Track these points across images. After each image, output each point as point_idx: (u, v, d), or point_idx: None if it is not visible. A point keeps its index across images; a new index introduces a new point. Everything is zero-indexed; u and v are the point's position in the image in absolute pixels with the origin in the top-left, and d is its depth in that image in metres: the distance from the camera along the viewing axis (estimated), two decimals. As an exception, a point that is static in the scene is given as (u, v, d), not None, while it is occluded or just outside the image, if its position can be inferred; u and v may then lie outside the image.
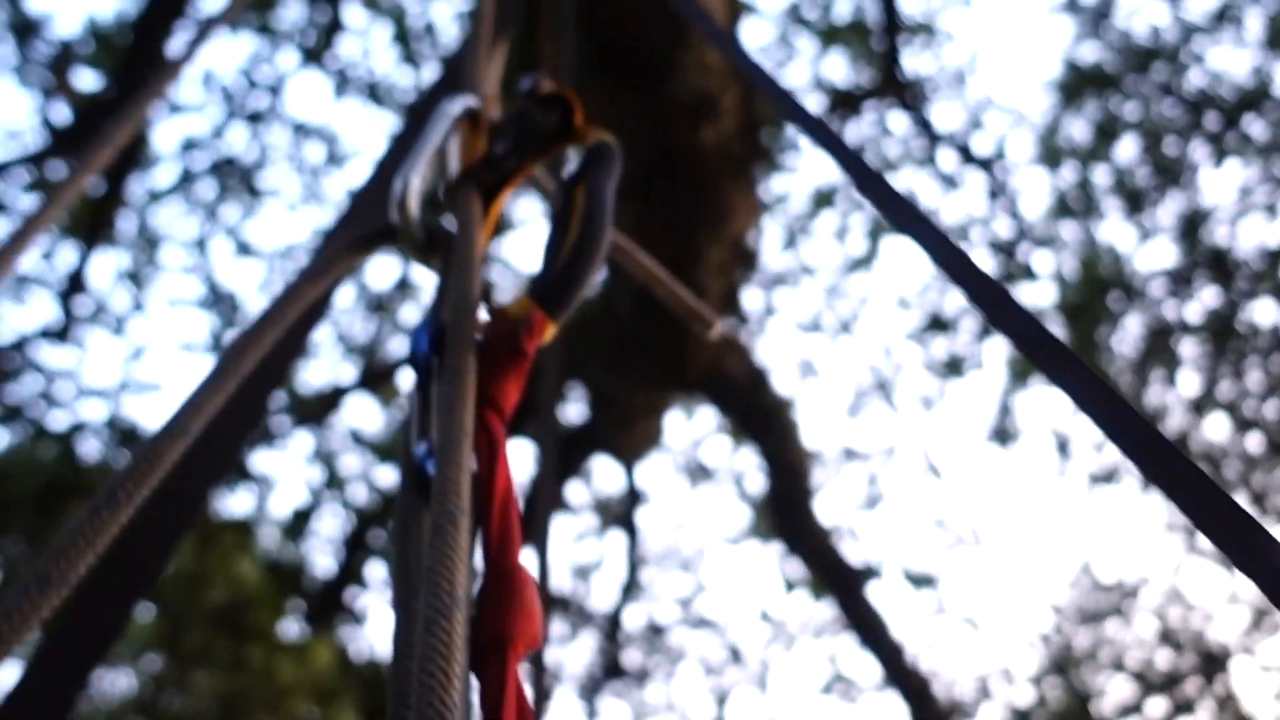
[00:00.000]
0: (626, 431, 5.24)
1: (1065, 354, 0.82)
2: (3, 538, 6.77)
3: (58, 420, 6.80)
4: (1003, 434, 7.94)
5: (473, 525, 0.56)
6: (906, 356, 8.14)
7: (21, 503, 6.46)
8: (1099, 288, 7.72)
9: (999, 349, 7.88)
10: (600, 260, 0.77)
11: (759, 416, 4.39)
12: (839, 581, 4.86)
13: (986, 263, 7.79)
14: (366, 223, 0.86)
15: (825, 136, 1.15)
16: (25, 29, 6.59)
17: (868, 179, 1.05)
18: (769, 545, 7.32)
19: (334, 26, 7.48)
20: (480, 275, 0.75)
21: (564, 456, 6.55)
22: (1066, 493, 8.33)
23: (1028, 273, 7.84)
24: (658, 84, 3.13)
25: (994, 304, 0.89)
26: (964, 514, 8.60)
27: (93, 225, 6.35)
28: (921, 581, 7.98)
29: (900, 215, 0.99)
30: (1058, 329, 7.86)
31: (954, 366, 8.02)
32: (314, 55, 7.41)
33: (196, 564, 6.88)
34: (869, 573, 5.55)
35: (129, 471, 0.55)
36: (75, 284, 6.55)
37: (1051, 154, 7.86)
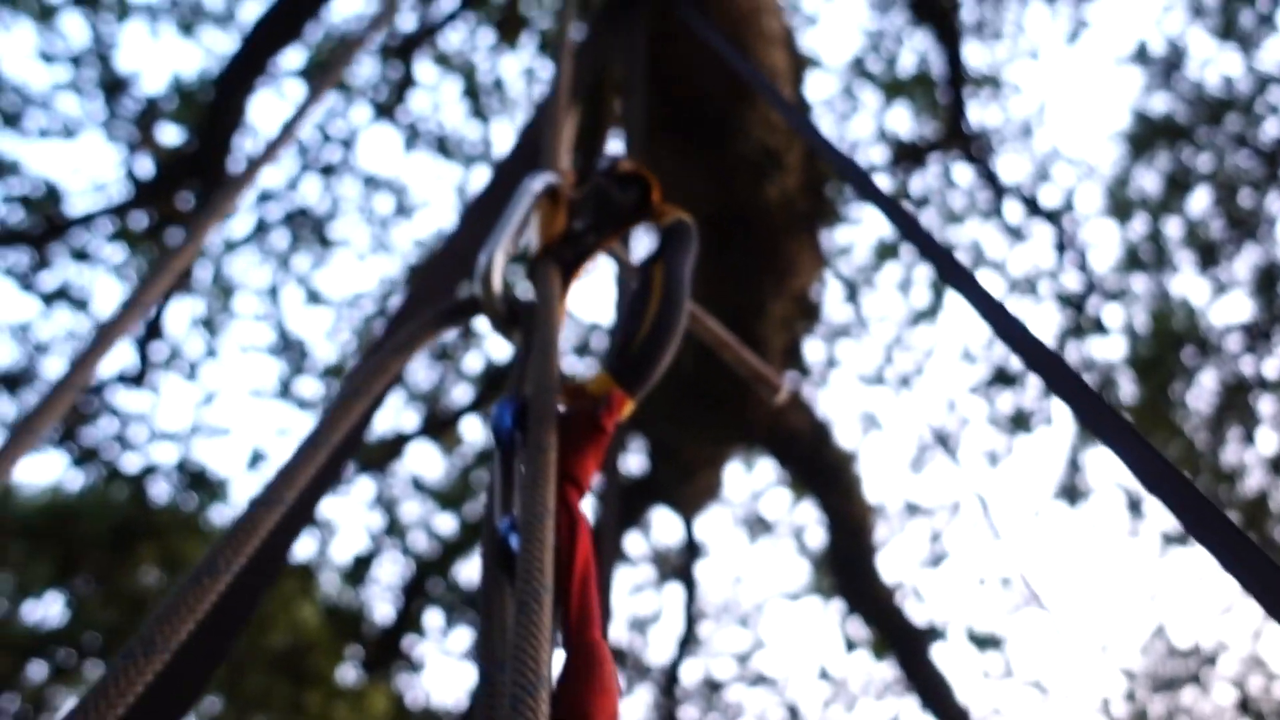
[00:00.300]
0: (687, 483, 5.21)
1: (1116, 419, 0.81)
2: (74, 577, 6.92)
3: (131, 462, 6.97)
4: (1071, 491, 7.75)
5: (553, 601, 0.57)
6: (971, 410, 8.02)
7: (93, 543, 6.61)
8: (1172, 342, 7.54)
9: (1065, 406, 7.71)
10: (677, 339, 0.79)
11: (821, 472, 4.34)
12: (902, 641, 4.75)
13: (1055, 316, 7.67)
14: (442, 291, 0.88)
15: (881, 199, 1.15)
16: (114, 86, 6.87)
17: (926, 243, 1.05)
18: (830, 602, 7.20)
19: (406, 82, 7.68)
20: (558, 351, 0.77)
21: (624, 507, 6.53)
22: (1139, 554, 8.09)
23: (1098, 327, 7.70)
24: (722, 140, 3.15)
25: (1046, 367, 0.88)
26: (1032, 573, 8.38)
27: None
28: (987, 643, 7.78)
29: (959, 281, 0.99)
30: (1128, 384, 7.69)
31: (1020, 421, 7.87)
32: (385, 110, 7.61)
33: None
34: (933, 633, 5.42)
35: (227, 540, 0.57)
36: (152, 330, 6.74)
37: (1121, 206, 7.75)
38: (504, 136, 8.18)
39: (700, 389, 3.73)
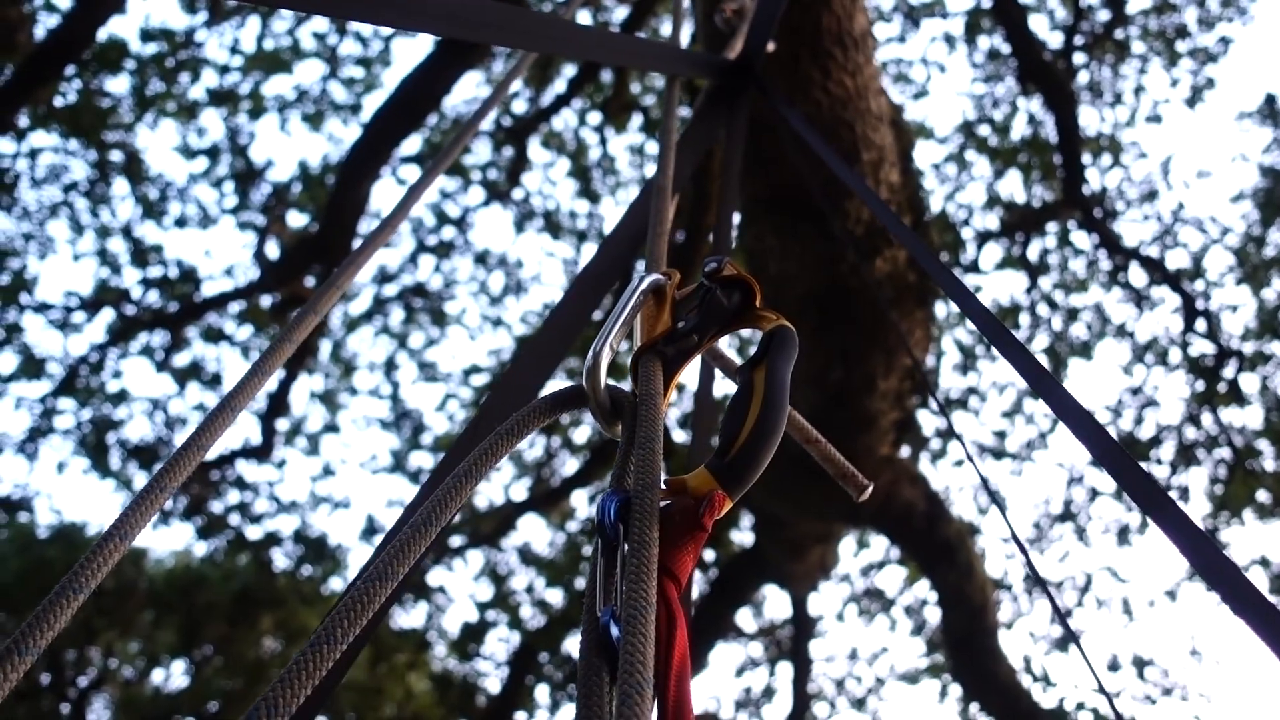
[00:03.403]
0: (797, 560, 5.11)
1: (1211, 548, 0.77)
2: (198, 645, 7.14)
3: (253, 533, 7.21)
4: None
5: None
6: (1097, 482, 7.68)
7: (216, 611, 6.83)
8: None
9: (1202, 478, 7.33)
10: (777, 442, 0.80)
11: (936, 548, 4.19)
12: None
13: (1186, 384, 7.33)
14: (544, 371, 0.90)
15: (974, 307, 1.12)
16: (246, 176, 7.27)
17: (1034, 374, 1.01)
18: (950, 684, 6.91)
19: (519, 163, 7.93)
20: (661, 446, 0.79)
21: (732, 583, 6.44)
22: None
23: (1234, 394, 7.31)
24: (827, 218, 3.14)
25: (1141, 492, 0.85)
26: (1169, 657, 7.91)
27: (295, 352, 6.80)
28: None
29: (1050, 395, 0.97)
30: (1269, 454, 7.27)
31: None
32: (498, 191, 7.85)
33: (370, 678, 7.06)
34: (1063, 716, 5.13)
35: (343, 611, 0.62)
36: (276, 405, 7.02)
37: (1255, 269, 7.41)
38: (612, 214, 8.34)
39: (807, 464, 3.67)
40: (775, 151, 3.17)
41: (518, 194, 7.96)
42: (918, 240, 1.12)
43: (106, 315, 6.91)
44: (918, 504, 4.01)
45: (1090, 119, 7.54)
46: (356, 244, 6.80)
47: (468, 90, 7.87)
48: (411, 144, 7.68)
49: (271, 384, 7.21)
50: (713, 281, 0.91)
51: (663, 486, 0.78)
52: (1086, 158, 7.40)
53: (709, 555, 7.21)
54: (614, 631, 0.65)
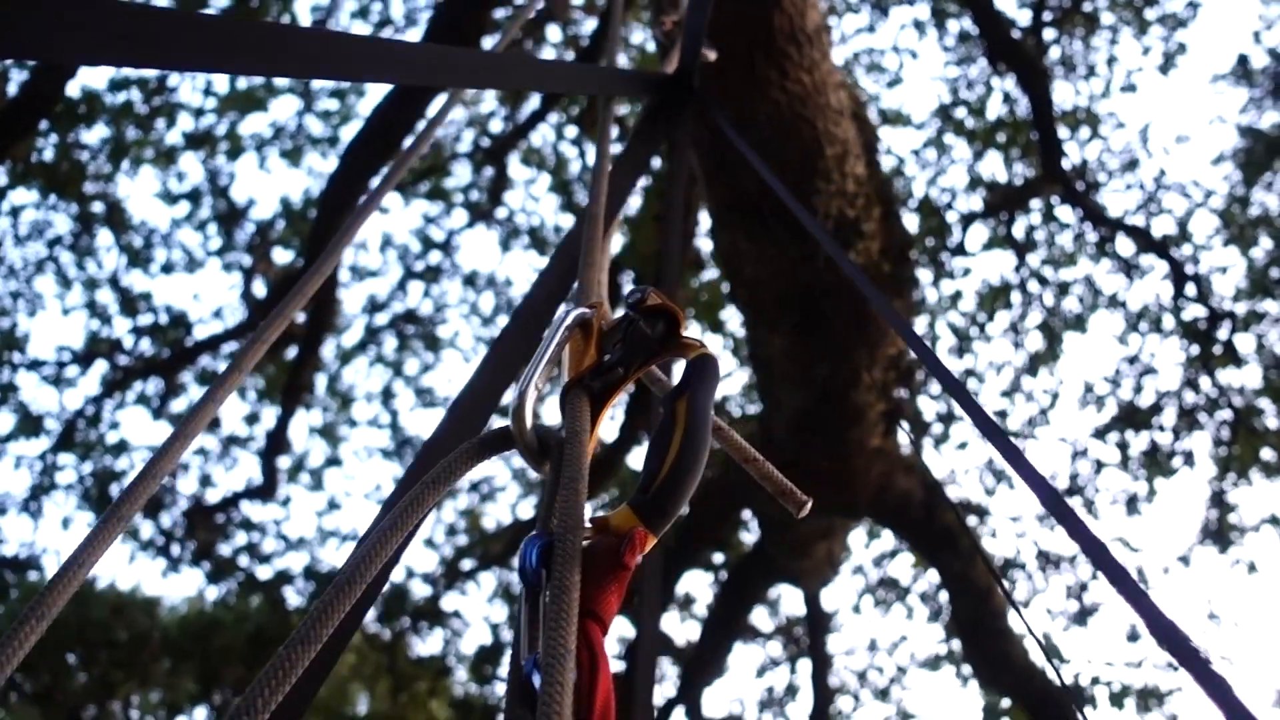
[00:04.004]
0: (803, 558, 5.11)
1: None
2: (215, 690, 7.14)
3: (263, 572, 7.22)
4: (1220, 535, 7.30)
5: None
6: (1102, 454, 7.67)
7: (232, 654, 6.83)
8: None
9: (1205, 441, 7.32)
10: (699, 475, 0.80)
11: (938, 536, 4.18)
12: (1046, 707, 4.49)
13: (1181, 350, 7.32)
14: (480, 419, 0.90)
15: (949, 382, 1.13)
16: (229, 217, 7.29)
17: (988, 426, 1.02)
18: (967, 668, 6.89)
19: (500, 182, 7.95)
20: (585, 487, 0.79)
21: (742, 584, 6.43)
22: (1305, 595, 7.53)
23: (1231, 356, 7.29)
24: (797, 218, 3.13)
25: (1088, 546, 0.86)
26: (1187, 623, 7.87)
27: (289, 388, 6.83)
28: (1150, 697, 7.31)
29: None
30: (1270, 412, 7.25)
31: (1157, 463, 7.47)
32: (481, 211, 7.86)
33: (392, 709, 7.06)
34: (1080, 693, 5.10)
35: (263, 680, 0.62)
36: (275, 444, 7.02)
37: (1240, 229, 7.40)
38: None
39: (800, 462, 3.67)
40: (738, 155, 3.18)
41: (501, 213, 7.98)
42: (858, 270, 1.13)
43: (100, 367, 6.93)
44: (915, 493, 4.01)
45: (1065, 93, 7.55)
46: (343, 276, 6.79)
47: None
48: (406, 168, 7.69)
49: (269, 422, 7.22)
50: (636, 312, 0.90)
51: (588, 526, 0.77)
52: (1064, 132, 7.40)
53: (718, 558, 7.21)
54: (536, 679, 0.65)
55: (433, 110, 1.61)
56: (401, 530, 0.76)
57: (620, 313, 0.96)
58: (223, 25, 1.22)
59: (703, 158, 3.35)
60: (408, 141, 7.59)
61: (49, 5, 0.85)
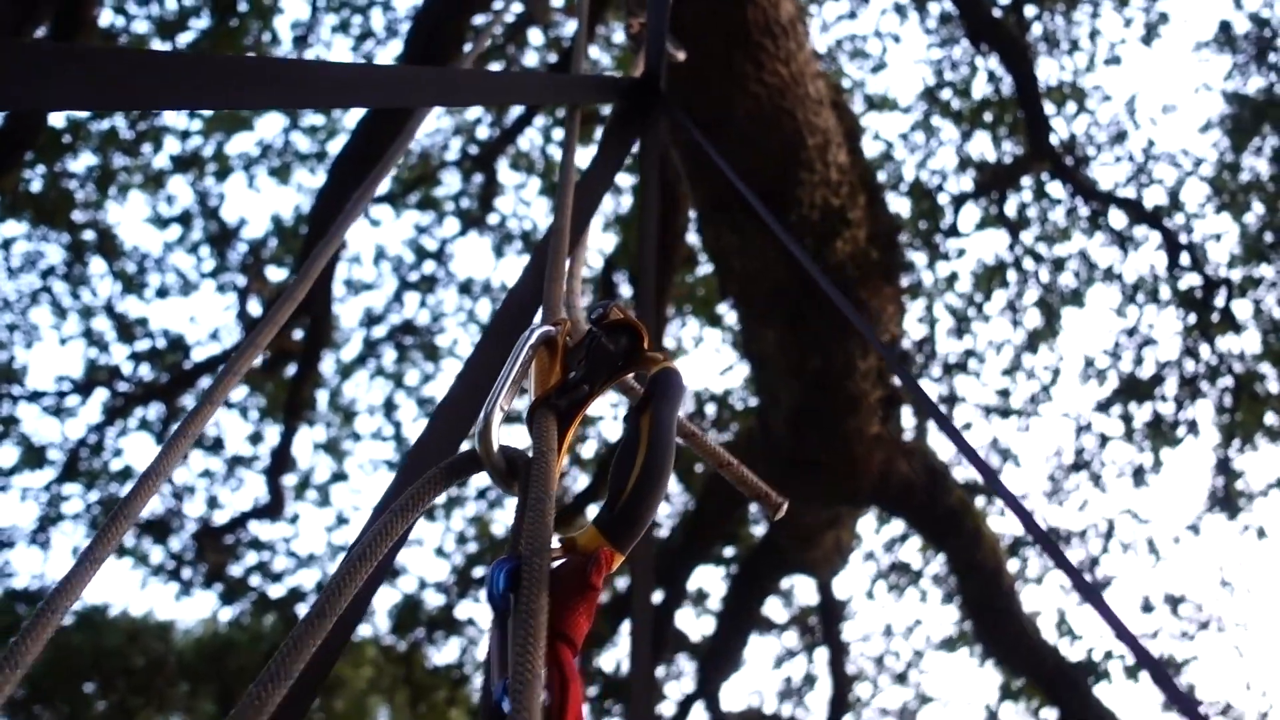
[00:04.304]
0: (812, 547, 5.11)
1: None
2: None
3: (276, 590, 7.23)
4: (1228, 502, 7.29)
5: None
6: (1106, 428, 7.67)
7: (249, 674, 6.84)
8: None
9: (1208, 409, 7.31)
10: (663, 491, 0.79)
11: (942, 519, 4.18)
12: (1060, 684, 4.49)
13: (1178, 320, 7.31)
14: (445, 450, 0.90)
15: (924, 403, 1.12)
16: (221, 238, 7.30)
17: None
18: (979, 649, 6.89)
19: (489, 187, 7.94)
20: (553, 508, 0.78)
21: (753, 576, 6.44)
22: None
23: (1229, 322, 7.28)
24: (782, 209, 3.14)
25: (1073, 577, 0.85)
26: (1201, 591, 7.88)
27: (290, 405, 6.83)
28: (1166, 667, 7.30)
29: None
30: (1271, 377, 7.24)
31: (1161, 434, 7.47)
32: (473, 218, 7.87)
33: (411, 718, 7.07)
34: (1093, 668, 5.10)
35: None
36: (280, 462, 7.03)
37: (1232, 195, 7.39)
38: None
39: (799, 455, 3.68)
40: (724, 149, 3.17)
41: (493, 219, 7.98)
42: (827, 279, 1.13)
43: (100, 395, 6.94)
44: (916, 478, 4.01)
45: (1049, 69, 7.54)
46: (338, 290, 6.78)
47: (428, 123, 7.86)
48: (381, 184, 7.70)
49: (273, 441, 7.23)
50: (599, 327, 0.90)
51: (556, 547, 0.77)
52: (1050, 108, 7.38)
53: (728, 551, 7.21)
54: (505, 706, 0.66)
55: (414, 122, 1.62)
56: (371, 560, 0.76)
57: (585, 331, 0.96)
58: (192, 63, 1.22)
59: (683, 156, 3.36)
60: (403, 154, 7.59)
61: (17, 55, 0.86)
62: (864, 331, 1.09)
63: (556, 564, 0.75)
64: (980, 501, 7.31)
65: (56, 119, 6.43)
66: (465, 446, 0.90)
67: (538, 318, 1.03)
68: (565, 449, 0.89)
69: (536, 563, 0.71)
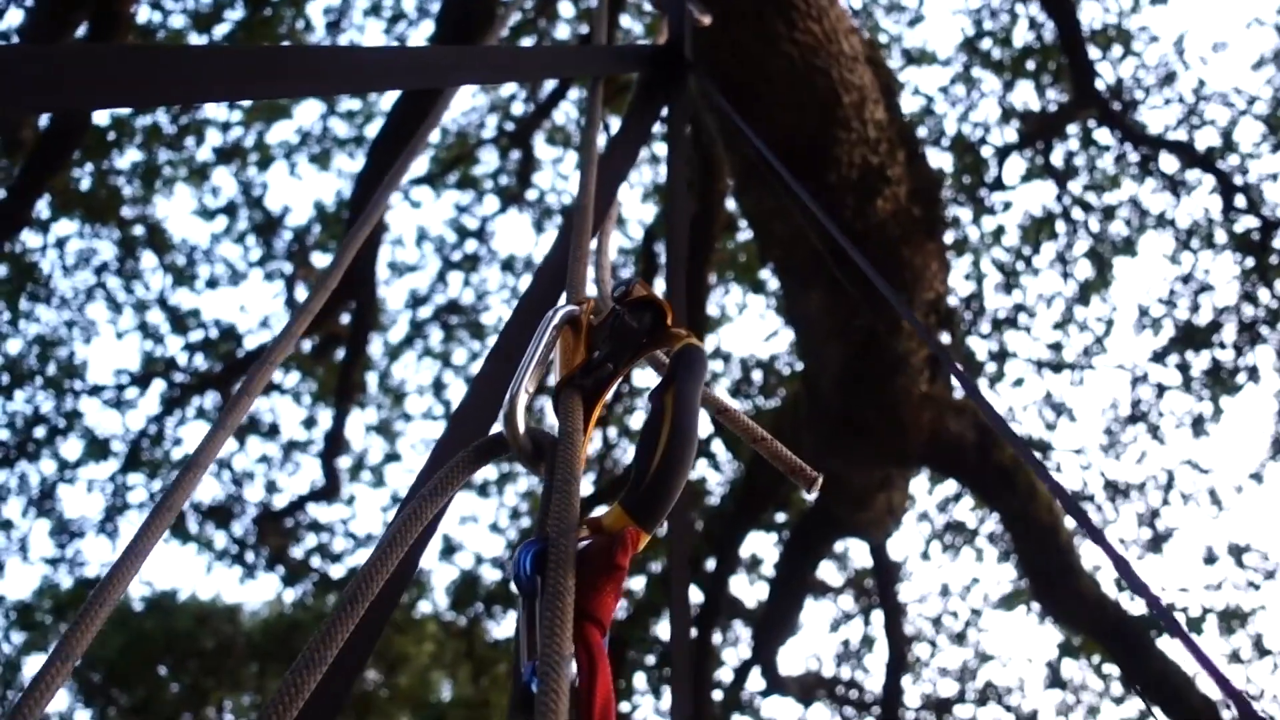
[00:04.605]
0: (864, 510, 5.09)
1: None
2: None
3: (336, 571, 7.37)
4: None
5: None
6: (1163, 378, 7.52)
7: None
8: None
9: (1269, 354, 7.14)
10: (688, 469, 0.79)
11: (995, 477, 4.13)
12: (1121, 639, 4.44)
13: (1235, 264, 7.12)
14: (477, 431, 0.91)
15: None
16: (266, 227, 7.39)
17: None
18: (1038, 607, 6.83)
19: (526, 164, 7.95)
20: (579, 489, 0.78)
21: (806, 541, 6.43)
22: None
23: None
24: (822, 169, 3.10)
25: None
26: (1266, 539, 7.73)
27: (341, 389, 6.93)
28: (1232, 618, 7.20)
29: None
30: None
31: (1221, 381, 7.30)
32: (511, 195, 7.88)
33: (476, 693, 7.19)
34: (1155, 622, 5.03)
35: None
36: (334, 445, 7.14)
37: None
38: (626, 196, 8.32)
39: (847, 418, 3.66)
40: (760, 111, 3.14)
41: (531, 195, 7.98)
42: (853, 244, 1.11)
43: (158, 386, 7.09)
44: (966, 435, 3.96)
45: (1093, 12, 7.35)
46: (380, 271, 6.83)
47: (464, 101, 7.89)
48: (419, 164, 7.74)
49: (326, 424, 7.34)
50: (622, 305, 0.89)
51: (581, 528, 0.77)
52: (1095, 53, 7.19)
53: (780, 517, 7.21)
54: (534, 687, 0.66)
55: (441, 104, 1.62)
56: (401, 546, 0.77)
57: (609, 310, 0.95)
58: (225, 56, 1.24)
59: (717, 121, 3.32)
60: (432, 134, 7.63)
61: (62, 56, 0.87)
62: (893, 302, 1.08)
63: (582, 544, 0.75)
64: (1036, 457, 7.23)
65: (100, 117, 6.54)
66: (497, 428, 0.90)
67: (562, 298, 1.03)
68: (591, 427, 0.89)
69: (563, 544, 0.71)
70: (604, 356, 0.87)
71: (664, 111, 1.56)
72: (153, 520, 1.06)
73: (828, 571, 7.80)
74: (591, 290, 1.06)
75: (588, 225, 1.02)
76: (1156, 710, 4.30)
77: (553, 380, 0.93)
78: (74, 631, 0.87)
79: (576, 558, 0.72)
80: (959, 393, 4.08)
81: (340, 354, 7.02)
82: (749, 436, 0.94)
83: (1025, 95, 7.49)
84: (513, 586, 0.74)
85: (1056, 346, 7.70)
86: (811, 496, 0.94)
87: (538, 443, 0.85)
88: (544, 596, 0.70)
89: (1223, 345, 7.25)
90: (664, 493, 0.75)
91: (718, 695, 7.37)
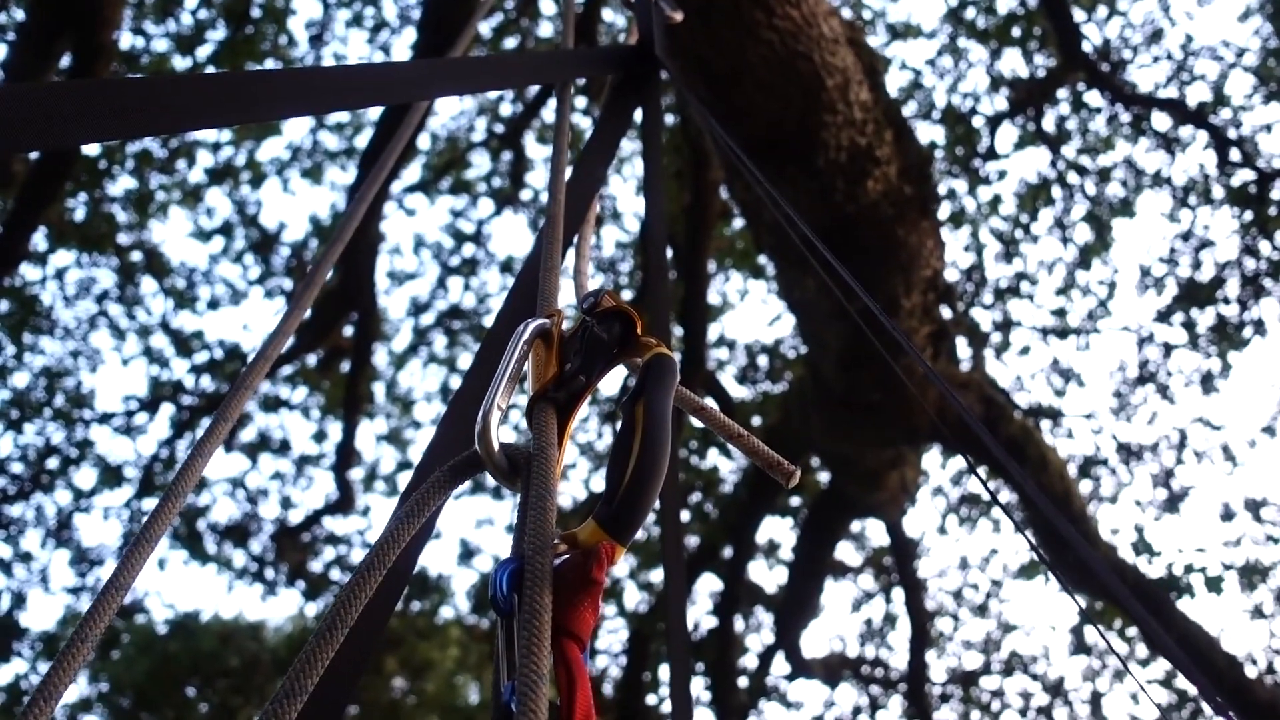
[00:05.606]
0: (876, 489, 5.08)
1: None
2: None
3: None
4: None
5: None
6: (1169, 336, 7.50)
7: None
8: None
9: (1274, 306, 7.11)
10: (660, 479, 0.78)
11: (1005, 449, 4.09)
12: (1141, 602, 4.41)
13: (1234, 219, 7.09)
14: (459, 449, 0.91)
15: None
16: (262, 244, 7.40)
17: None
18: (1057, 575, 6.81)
19: (518, 164, 7.94)
20: (555, 505, 0.78)
21: (822, 523, 6.43)
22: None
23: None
24: (810, 154, 3.10)
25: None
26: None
27: (349, 400, 6.94)
28: (1252, 573, 7.18)
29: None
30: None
31: (1227, 336, 7.27)
32: (505, 197, 7.88)
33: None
34: (1174, 583, 5.02)
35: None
36: (345, 457, 7.16)
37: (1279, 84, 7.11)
38: (620, 190, 8.31)
39: (851, 399, 3.65)
40: (744, 101, 3.13)
41: (525, 195, 7.98)
42: (849, 274, 1.11)
43: (167, 410, 7.12)
44: (973, 409, 3.95)
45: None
46: (380, 281, 6.82)
47: (451, 105, 7.89)
48: (411, 172, 7.75)
49: (335, 437, 7.36)
50: (591, 316, 0.89)
51: (557, 544, 0.77)
52: (1080, 15, 7.16)
53: (794, 500, 7.21)
54: (514, 706, 0.66)
55: (411, 116, 1.61)
56: (380, 569, 0.77)
57: (578, 321, 0.95)
58: (207, 83, 1.23)
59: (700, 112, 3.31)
60: (422, 141, 7.63)
61: (43, 93, 0.87)
62: (875, 307, 1.07)
63: (558, 561, 0.75)
64: (1046, 425, 7.22)
65: (90, 146, 6.54)
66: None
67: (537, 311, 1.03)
68: (565, 440, 0.88)
69: (539, 562, 0.71)
70: (576, 369, 0.87)
71: (638, 112, 1.55)
72: (153, 520, 1.05)
73: (846, 552, 7.82)
74: (573, 298, 1.06)
75: (558, 236, 1.02)
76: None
77: (526, 395, 0.93)
78: (70, 645, 0.86)
79: (553, 574, 0.72)
80: (964, 368, 4.07)
81: (345, 366, 7.03)
82: (726, 433, 0.94)
83: (1013, 62, 7.48)
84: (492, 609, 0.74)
85: (1061, 312, 7.69)
86: (790, 486, 0.94)
87: (512, 459, 0.84)
88: (520, 615, 0.70)
89: (1227, 300, 7.23)
90: (637, 506, 0.74)
91: (743, 682, 7.39)
